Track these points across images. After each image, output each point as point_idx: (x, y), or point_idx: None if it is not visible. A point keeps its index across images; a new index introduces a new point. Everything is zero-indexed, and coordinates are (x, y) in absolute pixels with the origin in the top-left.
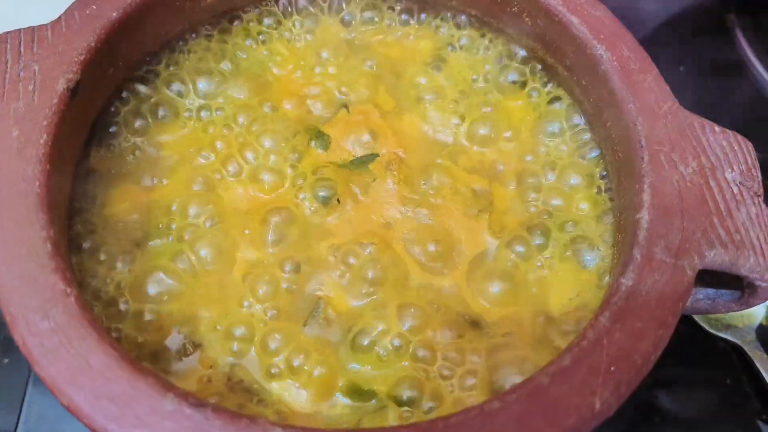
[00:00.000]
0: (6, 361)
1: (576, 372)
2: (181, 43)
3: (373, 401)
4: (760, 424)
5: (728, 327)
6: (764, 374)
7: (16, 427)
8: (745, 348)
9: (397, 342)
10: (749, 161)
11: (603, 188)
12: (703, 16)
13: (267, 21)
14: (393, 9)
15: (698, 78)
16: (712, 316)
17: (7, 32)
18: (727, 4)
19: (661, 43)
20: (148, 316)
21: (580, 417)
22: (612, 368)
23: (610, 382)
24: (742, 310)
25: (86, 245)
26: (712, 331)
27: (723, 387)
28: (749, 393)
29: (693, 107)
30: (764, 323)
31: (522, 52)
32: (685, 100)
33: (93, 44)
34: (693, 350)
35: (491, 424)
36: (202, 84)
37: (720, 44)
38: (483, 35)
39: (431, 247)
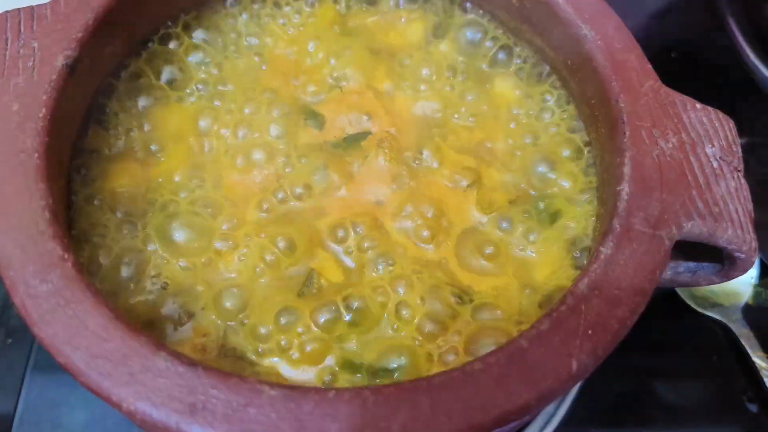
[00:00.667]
0: (9, 341)
1: (554, 336)
2: (176, 22)
3: (359, 375)
4: (746, 402)
5: (714, 306)
6: (749, 352)
7: (15, 409)
8: (731, 326)
9: (386, 313)
10: (729, 137)
11: (587, 164)
12: (694, 1)
13: (259, 4)
14: None
15: (689, 63)
16: (699, 295)
17: (7, 11)
18: None
19: (653, 28)
20: (145, 286)
21: (557, 378)
22: (589, 332)
23: (587, 345)
24: (722, 282)
25: (84, 217)
26: (699, 309)
27: (710, 365)
28: (736, 370)
29: (684, 92)
30: (750, 302)
31: (509, 34)
32: (676, 86)
33: (90, 22)
34: (681, 329)
35: (472, 384)
36: (197, 61)
37: (711, 30)
38: (471, 17)
39: (420, 222)
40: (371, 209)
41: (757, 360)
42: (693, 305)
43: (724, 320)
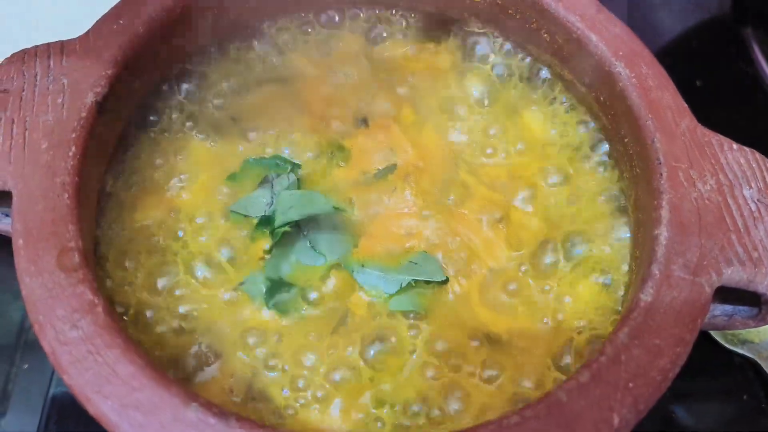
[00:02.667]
0: (25, 366)
1: (594, 388)
2: (204, 56)
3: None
4: None
5: (744, 342)
6: None
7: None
8: (762, 363)
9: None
10: (767, 178)
11: (621, 204)
12: (719, 30)
13: (285, 36)
14: (411, 25)
15: (715, 92)
16: (728, 331)
17: (37, 46)
18: (743, 18)
19: (678, 57)
20: (171, 326)
21: None
22: (630, 384)
23: (628, 399)
24: (759, 326)
25: (111, 254)
26: (728, 346)
27: (740, 403)
28: (766, 409)
29: (709, 121)
30: None
31: (541, 68)
32: (701, 114)
33: (120, 58)
34: (709, 365)
35: None
36: (224, 95)
37: (736, 58)
38: (503, 51)
39: (447, 260)
40: (400, 242)
41: None
42: (722, 341)
43: (754, 357)
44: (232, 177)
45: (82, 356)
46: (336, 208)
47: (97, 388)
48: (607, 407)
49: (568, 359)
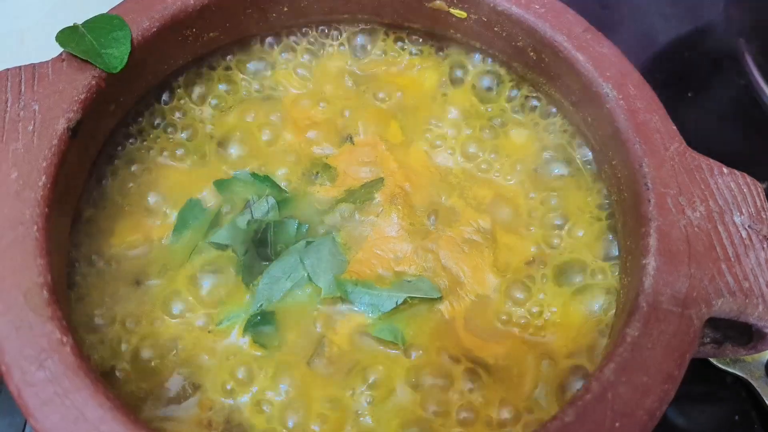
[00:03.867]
0: None
1: (579, 428)
2: (183, 77)
3: None
4: None
5: (736, 362)
6: None
7: None
8: (754, 384)
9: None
10: (758, 203)
11: (606, 227)
12: (712, 40)
13: (270, 54)
14: (396, 41)
15: (707, 103)
16: None
17: (7, 69)
18: (736, 29)
19: (670, 67)
20: (147, 356)
21: None
22: (616, 425)
23: None
24: (750, 354)
25: (84, 285)
26: (720, 365)
27: (731, 423)
28: (758, 430)
29: (700, 132)
30: None
31: (526, 86)
32: (692, 125)
33: (94, 83)
34: (701, 385)
35: None
36: (206, 115)
37: (729, 69)
38: (488, 68)
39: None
40: (388, 267)
41: None
42: (714, 361)
43: (746, 377)
44: (219, 183)
45: (49, 398)
46: (308, 242)
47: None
48: None
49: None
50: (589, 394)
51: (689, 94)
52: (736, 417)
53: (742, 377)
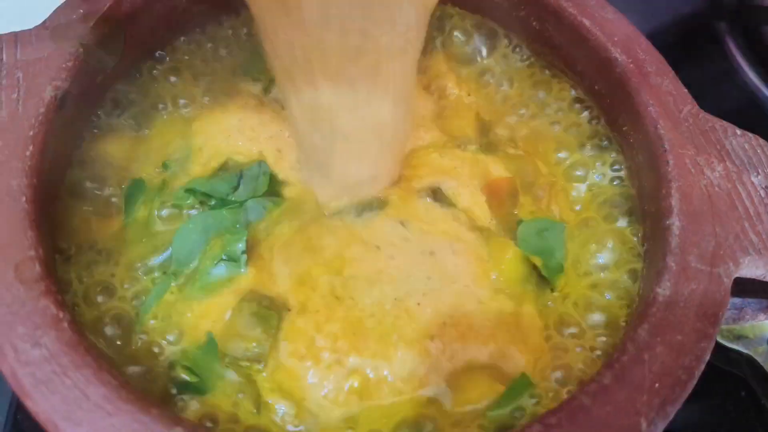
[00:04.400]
0: None
1: (618, 390)
2: (174, 44)
3: None
4: None
5: (739, 338)
6: None
7: None
8: (758, 359)
9: None
10: None
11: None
12: (694, 25)
13: None
14: None
15: (692, 88)
16: (723, 326)
17: None
18: (718, 13)
19: None
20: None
21: None
22: (656, 385)
23: (655, 401)
24: None
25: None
26: (723, 342)
27: (738, 400)
28: (764, 406)
29: None
30: None
31: (530, 56)
32: None
33: (81, 50)
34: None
35: None
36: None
37: (712, 54)
38: (491, 40)
39: None
40: None
41: None
42: (718, 338)
43: (750, 353)
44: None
45: (47, 378)
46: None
47: (65, 414)
48: (634, 411)
49: None
50: (625, 355)
51: None
52: (742, 393)
53: (746, 353)
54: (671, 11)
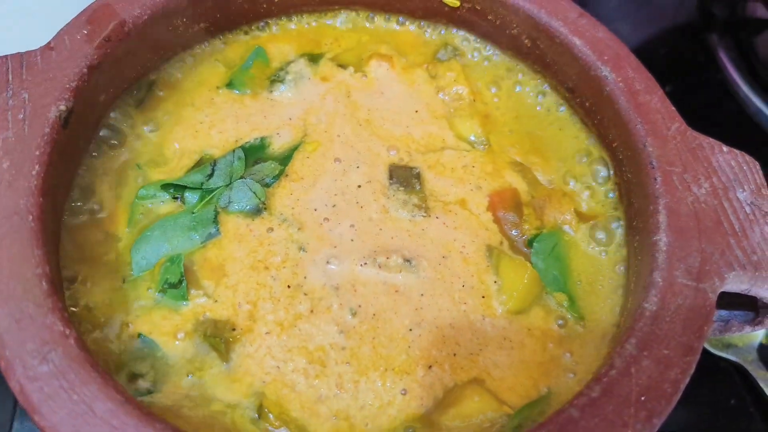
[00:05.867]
0: None
1: (606, 403)
2: (172, 63)
3: None
4: None
5: (729, 346)
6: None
7: None
8: (747, 368)
9: None
10: (758, 180)
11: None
12: (685, 37)
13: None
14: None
15: (684, 98)
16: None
17: None
18: (709, 25)
19: (647, 64)
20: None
21: None
22: (642, 398)
23: (642, 413)
24: (756, 330)
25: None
26: (713, 350)
27: (727, 408)
28: (754, 414)
29: None
30: (764, 342)
31: (521, 75)
32: None
33: (85, 70)
34: (695, 370)
35: None
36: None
37: (704, 65)
38: (483, 57)
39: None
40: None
41: None
42: (707, 346)
43: (739, 361)
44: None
45: (55, 393)
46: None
47: (73, 428)
48: (621, 423)
49: None
50: (613, 369)
51: (667, 90)
52: (732, 401)
53: (736, 362)
54: (664, 23)
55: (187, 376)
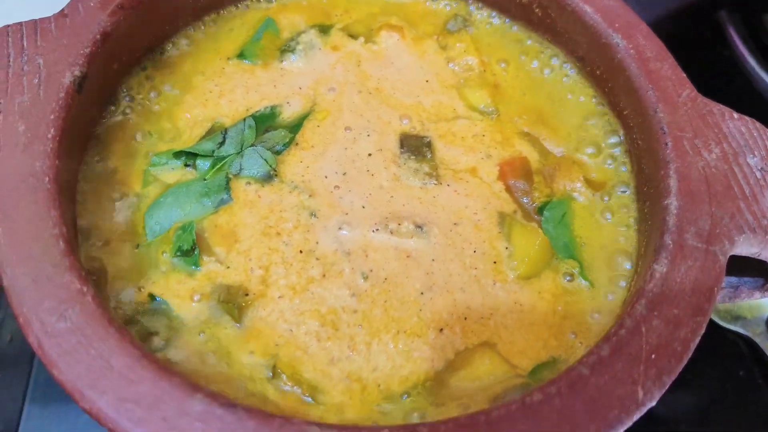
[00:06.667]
0: None
1: (616, 361)
2: (183, 32)
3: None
4: None
5: (737, 318)
6: None
7: None
8: (756, 340)
9: None
10: None
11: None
12: (694, 14)
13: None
14: None
15: (694, 76)
16: (722, 308)
17: (7, 26)
18: (719, 2)
19: None
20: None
21: (624, 408)
22: (652, 356)
23: (652, 371)
24: (765, 297)
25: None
26: (721, 323)
27: (736, 380)
28: (762, 386)
29: None
30: None
31: (531, 44)
32: None
33: (99, 37)
34: (704, 343)
35: (533, 417)
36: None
37: (713, 42)
38: (493, 26)
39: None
40: None
41: None
42: (716, 319)
43: (748, 334)
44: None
45: (73, 348)
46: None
47: (90, 382)
48: (631, 381)
49: None
50: (623, 329)
51: None
52: (741, 372)
53: (744, 334)
54: (671, 1)
55: (199, 335)
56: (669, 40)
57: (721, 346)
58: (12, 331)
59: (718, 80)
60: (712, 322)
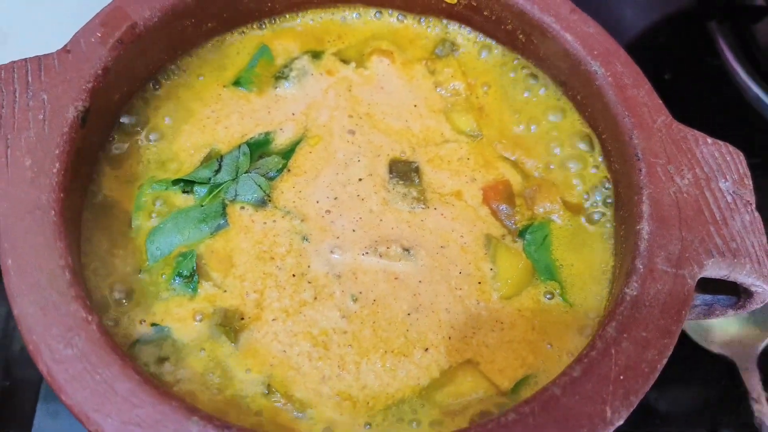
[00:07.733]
0: (7, 383)
1: (586, 382)
2: (181, 61)
3: None
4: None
5: (728, 345)
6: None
7: None
8: (740, 370)
9: None
10: (741, 170)
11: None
12: (685, 24)
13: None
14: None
15: (684, 85)
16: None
17: (13, 62)
18: (708, 11)
19: (646, 51)
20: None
21: (592, 426)
22: (621, 377)
23: (620, 391)
24: (739, 314)
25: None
26: (706, 347)
27: (737, 380)
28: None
29: (679, 113)
30: None
31: (521, 70)
32: (671, 107)
33: (100, 71)
34: (683, 365)
35: None
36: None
37: (703, 52)
38: (479, 51)
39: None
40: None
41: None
42: (702, 345)
43: (734, 360)
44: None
45: (79, 374)
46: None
47: (95, 406)
48: (600, 401)
49: None
50: (594, 350)
51: (666, 77)
52: (723, 382)
53: (730, 359)
54: (662, 10)
55: (200, 351)
56: (659, 51)
57: (704, 369)
58: (22, 341)
59: (708, 90)
60: (697, 347)
